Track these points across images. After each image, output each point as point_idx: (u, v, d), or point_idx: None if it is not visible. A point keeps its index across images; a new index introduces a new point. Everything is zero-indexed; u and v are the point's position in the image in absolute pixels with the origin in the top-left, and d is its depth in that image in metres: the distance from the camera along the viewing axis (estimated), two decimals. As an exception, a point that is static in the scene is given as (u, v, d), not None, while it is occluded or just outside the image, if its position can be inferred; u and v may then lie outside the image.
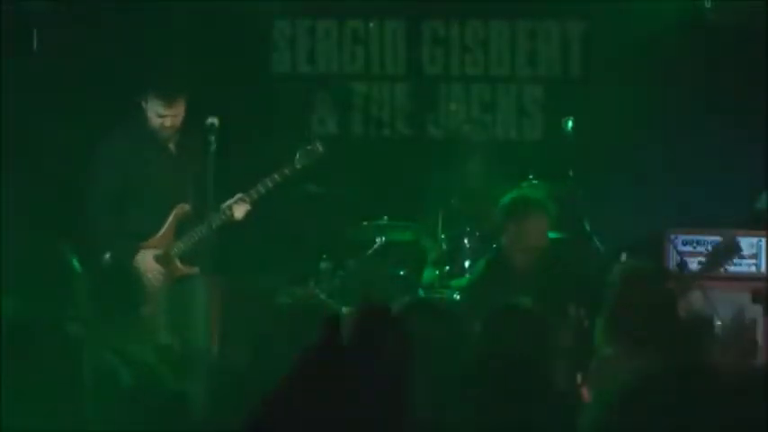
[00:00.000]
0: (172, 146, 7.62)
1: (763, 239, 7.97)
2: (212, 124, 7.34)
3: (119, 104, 8.41)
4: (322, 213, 8.54)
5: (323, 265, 8.43)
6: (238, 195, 7.62)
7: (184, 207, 7.54)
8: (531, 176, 8.35)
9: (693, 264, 7.80)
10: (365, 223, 8.61)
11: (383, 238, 8.55)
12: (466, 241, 8.28)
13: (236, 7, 9.34)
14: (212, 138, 7.28)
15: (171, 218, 7.54)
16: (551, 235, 8.33)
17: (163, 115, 7.47)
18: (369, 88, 9.64)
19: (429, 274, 8.42)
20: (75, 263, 5.10)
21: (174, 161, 7.61)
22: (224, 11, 9.33)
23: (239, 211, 7.61)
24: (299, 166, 7.74)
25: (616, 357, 4.80)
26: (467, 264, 8.25)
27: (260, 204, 7.81)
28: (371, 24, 9.59)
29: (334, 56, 9.66)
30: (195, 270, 7.51)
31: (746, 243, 7.97)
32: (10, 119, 8.67)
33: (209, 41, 9.29)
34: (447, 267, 8.29)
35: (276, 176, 7.64)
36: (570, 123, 8.18)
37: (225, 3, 9.34)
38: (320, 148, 7.83)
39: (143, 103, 7.53)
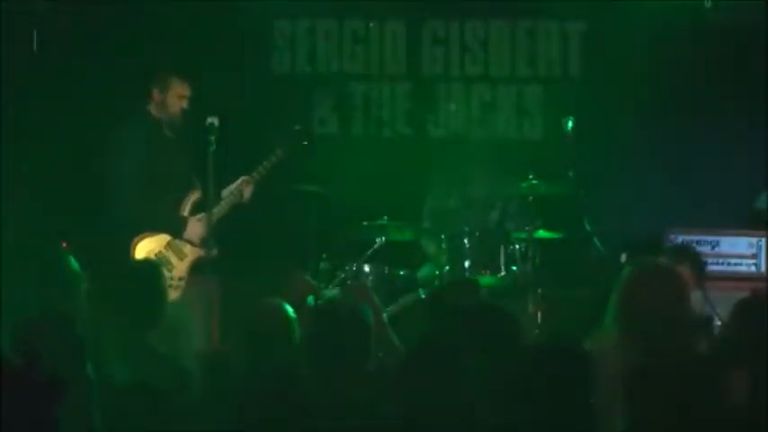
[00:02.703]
0: (168, 132, 7.68)
1: (763, 239, 7.97)
2: (212, 124, 7.35)
3: (118, 104, 8.42)
4: (322, 213, 8.53)
5: (323, 265, 8.42)
6: (243, 177, 7.70)
7: (197, 192, 7.58)
8: (531, 176, 8.36)
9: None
10: (365, 223, 8.60)
11: (383, 238, 8.54)
12: (466, 241, 8.28)
13: (236, 7, 9.34)
14: (212, 138, 7.29)
15: (190, 203, 7.61)
16: (551, 235, 8.36)
17: (183, 96, 7.60)
18: (369, 88, 9.64)
19: (427, 270, 8.42)
20: (74, 262, 5.10)
21: (177, 149, 7.67)
22: (224, 11, 9.33)
23: (247, 191, 7.70)
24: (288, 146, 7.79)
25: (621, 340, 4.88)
26: (467, 264, 8.25)
27: (260, 204, 7.83)
28: (371, 24, 9.59)
29: (334, 56, 9.66)
30: (214, 252, 7.54)
31: (746, 243, 7.97)
32: (10, 119, 8.66)
33: (209, 41, 9.29)
34: (447, 267, 8.28)
35: (273, 157, 7.73)
36: (570, 123, 8.18)
37: (225, 3, 9.34)
38: (298, 127, 7.96)
39: (155, 93, 7.58)
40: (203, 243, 7.57)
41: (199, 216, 7.59)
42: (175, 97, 7.62)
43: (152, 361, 4.97)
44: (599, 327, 5.12)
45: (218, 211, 7.59)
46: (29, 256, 5.20)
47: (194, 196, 7.62)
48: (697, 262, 7.07)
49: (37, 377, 2.44)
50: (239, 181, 7.73)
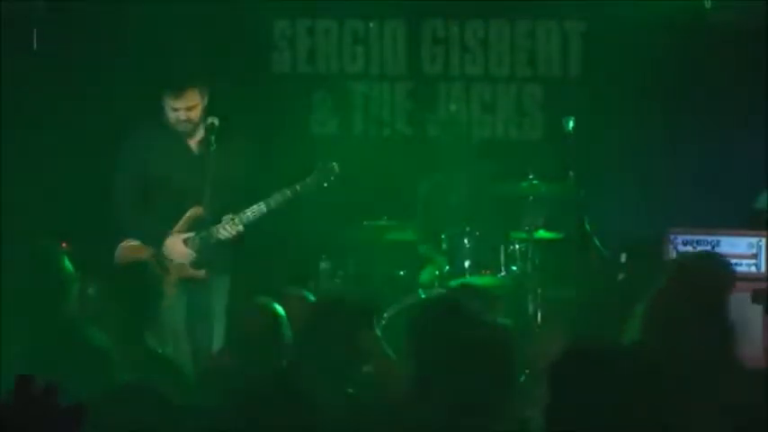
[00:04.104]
0: (193, 144, 7.48)
1: (763, 239, 7.97)
2: (212, 124, 7.32)
3: (118, 104, 8.42)
4: (322, 213, 8.53)
5: (323, 265, 8.43)
6: (229, 216, 7.42)
7: (199, 210, 7.33)
8: (531, 176, 8.36)
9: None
10: (365, 223, 8.60)
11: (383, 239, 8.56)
12: (466, 241, 8.28)
13: (236, 7, 9.35)
14: (212, 138, 7.27)
15: (184, 218, 7.38)
16: (551, 235, 8.36)
17: (176, 108, 7.33)
18: (369, 88, 9.64)
19: (428, 273, 8.42)
20: (68, 263, 5.09)
21: (193, 160, 7.42)
22: (224, 11, 9.33)
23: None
24: (310, 183, 7.57)
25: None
26: (467, 264, 8.25)
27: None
28: (371, 24, 9.59)
29: (334, 56, 9.66)
30: (201, 273, 7.40)
31: (746, 243, 7.97)
32: (10, 119, 8.67)
33: (209, 41, 9.29)
34: (447, 267, 8.29)
35: (288, 192, 7.48)
36: (570, 123, 8.17)
37: (225, 3, 9.35)
38: (336, 168, 7.58)
39: (162, 101, 7.52)
40: (194, 263, 7.42)
41: (186, 235, 7.39)
42: (168, 110, 7.37)
43: (149, 360, 4.98)
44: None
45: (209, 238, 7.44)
46: (23, 255, 5.19)
47: (194, 212, 7.35)
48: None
49: (57, 403, 2.39)
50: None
